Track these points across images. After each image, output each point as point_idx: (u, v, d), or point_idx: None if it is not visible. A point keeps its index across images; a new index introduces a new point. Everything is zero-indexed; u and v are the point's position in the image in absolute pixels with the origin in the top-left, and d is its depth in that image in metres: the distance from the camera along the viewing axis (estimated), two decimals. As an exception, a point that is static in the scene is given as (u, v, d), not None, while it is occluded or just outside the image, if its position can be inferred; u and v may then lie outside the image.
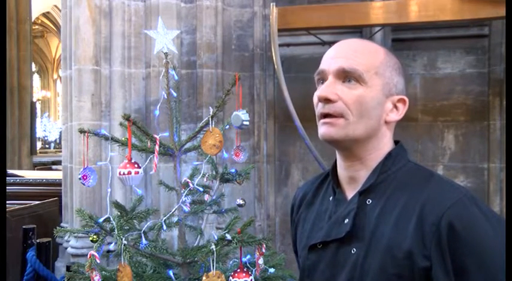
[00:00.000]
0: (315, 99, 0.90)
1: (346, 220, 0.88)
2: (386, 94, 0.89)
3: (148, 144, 1.79)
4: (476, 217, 0.79)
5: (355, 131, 0.87)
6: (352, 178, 0.92)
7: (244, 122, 1.65)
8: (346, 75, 0.87)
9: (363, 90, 0.86)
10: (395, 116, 0.91)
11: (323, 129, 0.88)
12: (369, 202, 0.88)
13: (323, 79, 0.90)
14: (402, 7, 2.92)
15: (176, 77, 1.96)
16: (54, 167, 9.94)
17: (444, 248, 0.77)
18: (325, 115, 0.88)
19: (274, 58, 3.03)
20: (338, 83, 0.88)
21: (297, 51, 3.53)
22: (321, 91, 0.88)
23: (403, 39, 3.43)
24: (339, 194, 0.94)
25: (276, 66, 3.04)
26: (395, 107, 0.91)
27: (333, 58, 0.89)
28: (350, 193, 0.92)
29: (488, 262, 0.77)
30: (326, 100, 0.87)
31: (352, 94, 0.86)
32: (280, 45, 3.10)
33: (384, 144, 0.91)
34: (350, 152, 0.91)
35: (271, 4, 3.02)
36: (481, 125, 3.37)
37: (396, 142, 0.95)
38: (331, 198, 0.96)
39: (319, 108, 0.89)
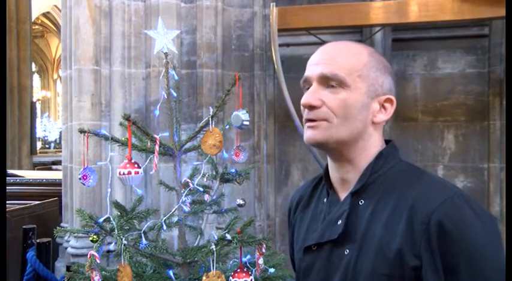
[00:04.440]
0: (302, 106, 0.91)
1: (339, 222, 0.88)
2: (372, 96, 0.88)
3: (148, 144, 1.79)
4: (467, 216, 0.78)
5: (338, 133, 0.87)
6: (344, 180, 0.92)
7: (244, 122, 1.65)
8: (328, 81, 0.87)
9: (346, 94, 0.86)
10: (384, 116, 0.90)
11: (308, 133, 0.89)
12: (361, 202, 0.88)
13: (309, 86, 0.90)
14: (402, 7, 2.91)
15: (176, 77, 1.96)
16: (54, 167, 9.93)
17: (434, 247, 0.77)
18: (311, 120, 0.88)
19: (274, 58, 3.02)
20: (321, 88, 0.88)
21: (297, 51, 3.53)
22: (304, 98, 0.88)
23: (403, 39, 3.42)
24: (332, 196, 0.94)
25: (276, 66, 3.04)
26: (384, 107, 0.90)
27: (316, 64, 0.89)
28: (343, 194, 0.93)
29: (478, 261, 0.76)
30: (310, 107, 0.87)
31: (335, 99, 0.86)
32: (280, 45, 3.10)
33: (371, 144, 0.91)
34: (339, 154, 0.91)
35: (271, 4, 3.02)
36: (481, 125, 3.37)
37: (388, 141, 0.94)
38: (325, 200, 0.96)
39: (305, 114, 0.90)
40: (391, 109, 0.90)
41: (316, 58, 0.91)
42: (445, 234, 0.77)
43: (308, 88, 0.90)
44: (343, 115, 0.86)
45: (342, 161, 0.91)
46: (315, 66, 0.89)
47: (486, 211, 0.83)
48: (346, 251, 0.86)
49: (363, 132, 0.89)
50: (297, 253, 1.00)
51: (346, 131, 0.87)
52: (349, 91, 0.86)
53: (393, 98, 0.91)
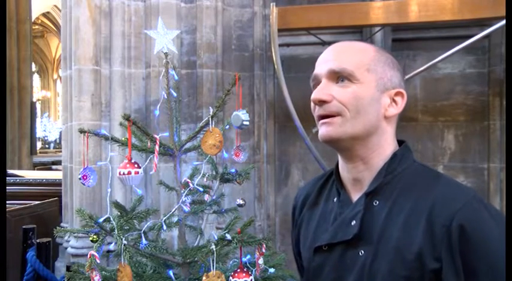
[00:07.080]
0: (312, 103, 0.91)
1: (353, 222, 0.87)
2: (381, 89, 0.89)
3: (148, 144, 1.79)
4: (486, 220, 0.79)
5: (354, 128, 0.87)
6: (357, 180, 0.92)
7: (244, 122, 1.65)
8: (338, 76, 0.88)
9: (356, 87, 0.87)
10: (395, 110, 0.91)
11: (322, 130, 0.89)
12: (375, 203, 0.87)
13: (318, 84, 0.91)
14: (402, 7, 2.91)
15: (176, 77, 1.96)
16: (54, 167, 9.95)
17: (455, 250, 0.77)
18: (323, 116, 0.89)
19: (274, 58, 3.02)
20: (331, 84, 0.89)
21: (297, 51, 3.53)
22: (314, 94, 0.89)
23: (403, 39, 3.42)
24: (343, 195, 0.93)
25: (276, 66, 3.04)
26: (394, 101, 0.91)
27: (324, 62, 0.91)
28: (355, 194, 0.92)
29: (498, 264, 0.77)
30: (321, 102, 0.88)
31: (346, 92, 0.87)
32: (280, 45, 3.10)
33: (385, 141, 0.91)
34: (352, 153, 0.90)
35: (271, 4, 3.02)
36: (481, 125, 3.37)
37: (401, 142, 0.94)
38: (335, 199, 0.95)
39: (316, 111, 0.90)
40: (402, 102, 0.91)
41: (324, 56, 0.92)
42: (466, 237, 0.77)
43: (316, 86, 0.91)
44: (355, 108, 0.86)
45: (355, 161, 0.91)
46: (323, 64, 0.91)
47: (502, 214, 0.84)
48: (361, 253, 0.86)
49: (376, 127, 0.89)
50: (305, 253, 0.99)
51: (360, 125, 0.87)
52: (359, 84, 0.87)
53: (403, 91, 0.91)
